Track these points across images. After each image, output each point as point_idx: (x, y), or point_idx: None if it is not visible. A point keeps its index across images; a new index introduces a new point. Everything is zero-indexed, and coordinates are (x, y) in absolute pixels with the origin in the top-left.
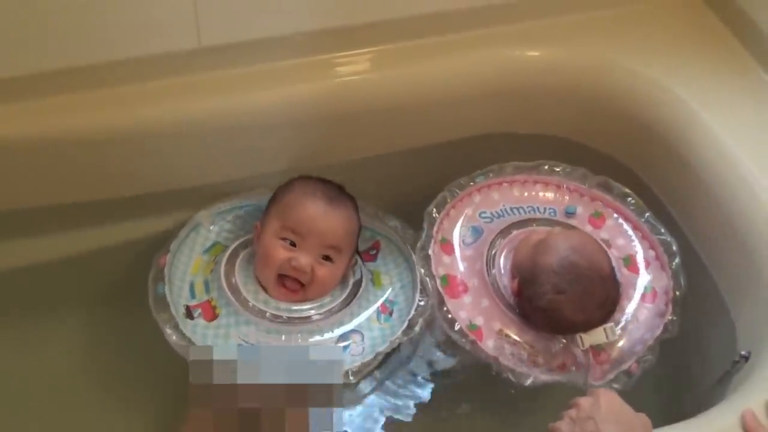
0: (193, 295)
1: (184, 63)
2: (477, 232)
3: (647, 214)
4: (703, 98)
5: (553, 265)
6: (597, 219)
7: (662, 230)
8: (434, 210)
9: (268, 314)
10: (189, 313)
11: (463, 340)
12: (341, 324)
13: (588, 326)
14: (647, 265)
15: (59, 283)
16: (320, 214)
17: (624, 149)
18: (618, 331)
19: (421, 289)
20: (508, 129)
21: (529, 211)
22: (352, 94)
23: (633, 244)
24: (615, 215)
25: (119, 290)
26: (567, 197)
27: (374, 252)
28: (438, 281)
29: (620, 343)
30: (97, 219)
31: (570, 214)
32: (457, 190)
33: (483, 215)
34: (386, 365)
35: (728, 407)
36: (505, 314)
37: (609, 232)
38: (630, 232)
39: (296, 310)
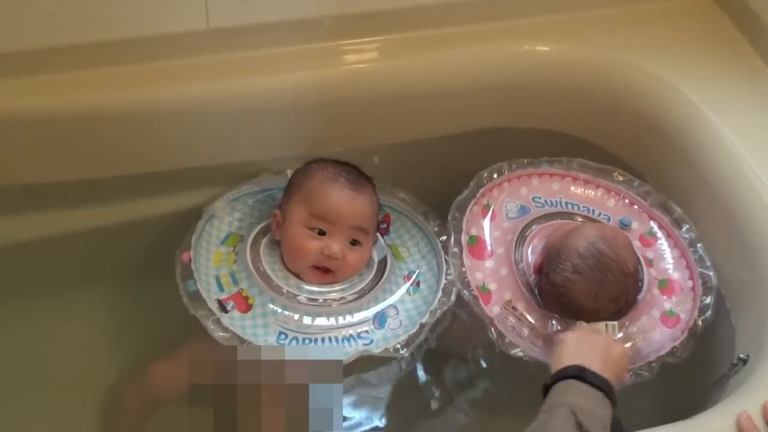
0: (221, 288)
1: (192, 44)
2: (524, 211)
3: (699, 245)
4: (711, 99)
5: (579, 247)
6: (649, 238)
7: (708, 264)
8: (486, 174)
9: (302, 299)
10: (222, 307)
11: (466, 292)
12: (377, 301)
13: (595, 316)
14: (681, 292)
15: (83, 256)
16: (347, 200)
17: (631, 148)
18: (619, 334)
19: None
20: (514, 123)
21: (583, 210)
22: (359, 82)
23: (675, 270)
24: (667, 239)
25: (143, 264)
26: (625, 209)
27: (385, 225)
28: (466, 238)
29: None
30: (118, 195)
31: (625, 225)
32: (516, 166)
33: (536, 199)
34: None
35: (724, 409)
36: (519, 288)
37: (656, 252)
38: (675, 258)
39: (330, 292)
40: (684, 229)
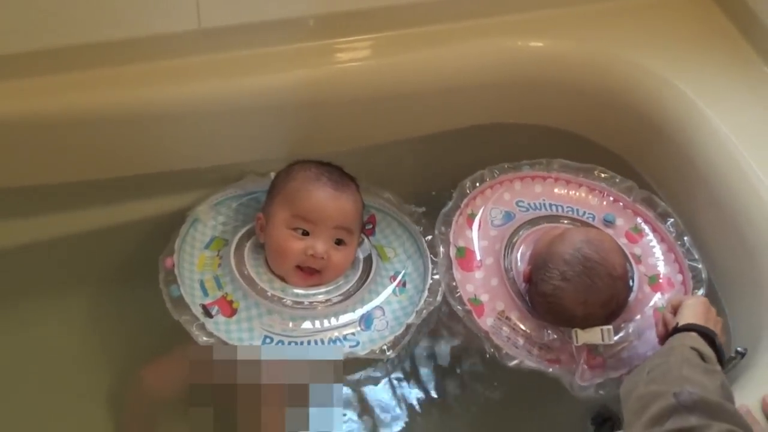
0: (205, 293)
1: (183, 44)
2: (509, 217)
3: (686, 238)
4: (706, 94)
5: (564, 254)
6: (635, 234)
7: (696, 256)
8: (468, 183)
9: (287, 302)
10: (207, 312)
11: (459, 307)
12: (363, 303)
13: (587, 322)
14: (671, 287)
15: (68, 260)
16: (330, 199)
17: (625, 143)
18: (615, 338)
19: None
20: (510, 120)
21: (567, 211)
22: (352, 80)
23: (663, 265)
24: (653, 234)
25: (128, 268)
26: (608, 206)
27: (371, 226)
28: (454, 250)
29: (619, 354)
30: (103, 198)
31: (609, 222)
32: (498, 172)
33: (520, 204)
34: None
35: None
36: (512, 298)
37: (643, 248)
38: (663, 253)
39: (315, 295)
40: (669, 223)
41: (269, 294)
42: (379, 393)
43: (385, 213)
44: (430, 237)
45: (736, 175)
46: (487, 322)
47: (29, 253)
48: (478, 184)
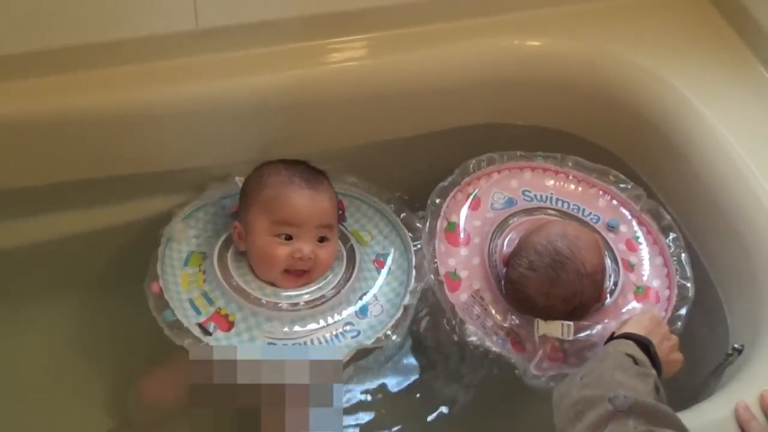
0: (198, 311)
1: (181, 45)
2: (510, 203)
3: (683, 255)
4: (702, 92)
5: (537, 244)
6: (635, 243)
7: (688, 274)
8: (474, 163)
9: (283, 305)
10: (204, 330)
11: (433, 277)
12: (356, 292)
13: (549, 314)
14: (656, 301)
15: (53, 264)
16: (308, 200)
17: (621, 142)
18: (579, 335)
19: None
20: (505, 119)
21: (573, 209)
22: (347, 80)
23: (654, 278)
24: (652, 246)
25: (114, 271)
26: (614, 210)
27: (341, 212)
28: (445, 223)
29: (582, 353)
30: (90, 199)
31: (612, 227)
32: (507, 158)
33: (526, 193)
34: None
35: (721, 399)
36: (489, 279)
37: (639, 258)
38: (658, 266)
39: (308, 294)
40: (671, 237)
41: (264, 301)
42: (381, 371)
43: (351, 197)
44: (404, 215)
45: (732, 173)
46: (461, 297)
47: (24, 254)
48: (485, 165)
